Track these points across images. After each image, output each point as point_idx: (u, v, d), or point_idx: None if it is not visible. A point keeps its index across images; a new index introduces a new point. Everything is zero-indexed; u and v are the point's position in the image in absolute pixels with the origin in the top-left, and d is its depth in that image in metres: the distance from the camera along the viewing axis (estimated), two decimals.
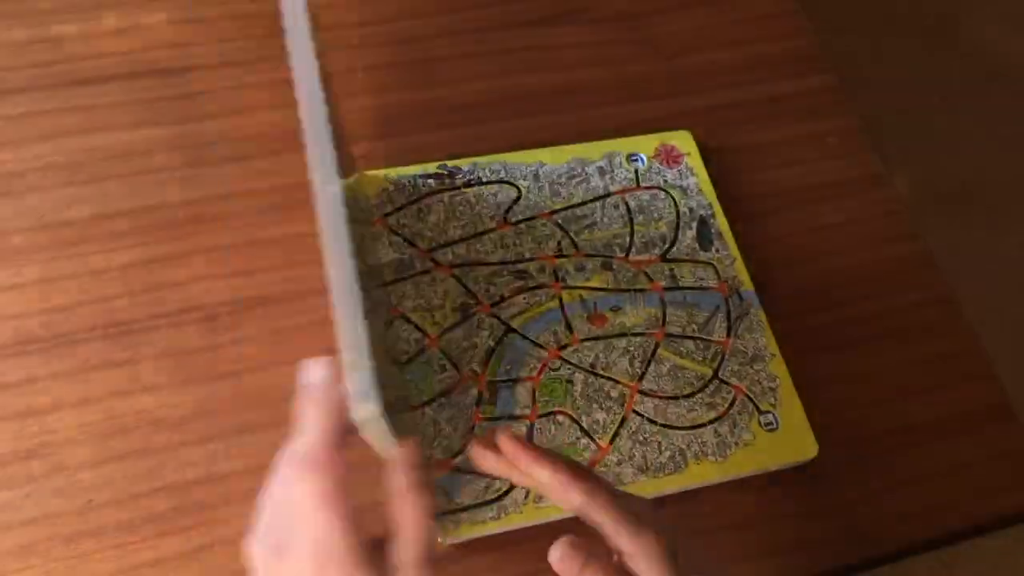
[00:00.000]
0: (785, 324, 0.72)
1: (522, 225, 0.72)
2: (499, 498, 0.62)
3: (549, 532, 0.62)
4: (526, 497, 0.62)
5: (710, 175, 0.77)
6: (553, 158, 0.75)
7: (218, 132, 0.74)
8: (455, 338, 0.67)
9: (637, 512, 0.46)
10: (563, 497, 0.47)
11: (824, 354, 0.72)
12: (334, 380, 0.41)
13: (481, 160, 0.74)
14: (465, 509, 0.61)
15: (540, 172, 0.74)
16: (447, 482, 0.62)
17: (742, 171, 0.80)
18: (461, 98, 0.80)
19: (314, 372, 0.42)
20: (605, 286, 0.71)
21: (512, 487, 0.62)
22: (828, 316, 0.75)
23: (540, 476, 0.48)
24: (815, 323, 0.74)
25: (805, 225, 0.79)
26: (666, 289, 0.71)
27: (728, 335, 0.70)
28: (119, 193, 0.70)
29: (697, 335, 0.70)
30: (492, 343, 0.67)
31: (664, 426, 0.66)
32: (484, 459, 0.50)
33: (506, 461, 0.50)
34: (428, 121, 0.78)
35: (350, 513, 0.40)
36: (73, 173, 0.71)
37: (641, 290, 0.71)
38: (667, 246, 0.73)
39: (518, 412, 0.65)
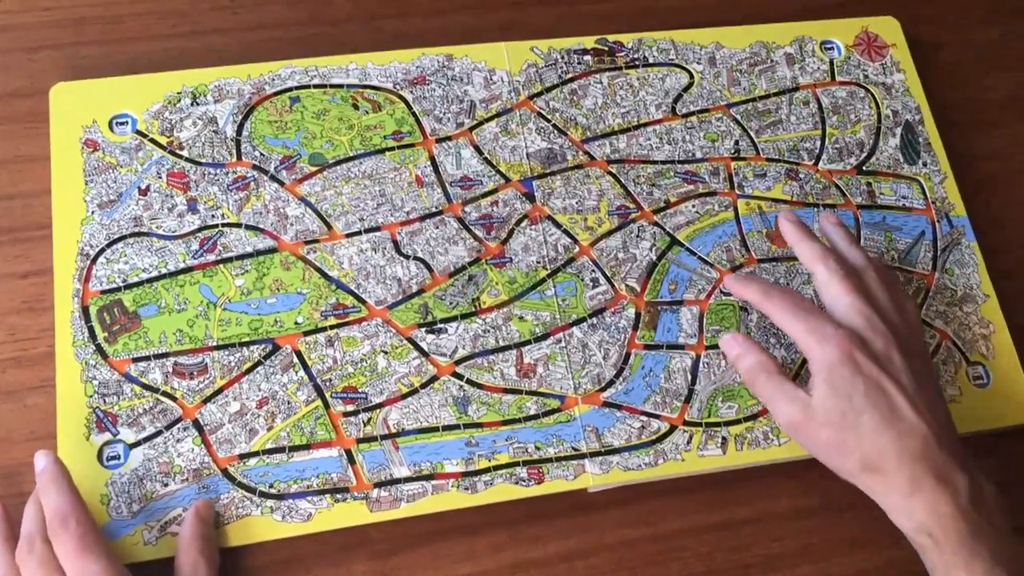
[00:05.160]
0: (1003, 260, 0.60)
1: (693, 118, 0.60)
2: (657, 441, 0.52)
3: (710, 484, 0.53)
4: (688, 443, 0.52)
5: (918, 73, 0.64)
6: (732, 40, 0.63)
7: None
8: (610, 248, 0.56)
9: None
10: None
11: None
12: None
13: (647, 36, 0.62)
14: (616, 452, 0.51)
15: (717, 56, 0.62)
16: (597, 419, 0.52)
17: (953, 72, 0.68)
18: None
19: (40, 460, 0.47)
20: (789, 198, 0.59)
21: (673, 429, 0.52)
22: None
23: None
24: None
25: None
26: (861, 207, 0.59)
27: (933, 268, 0.58)
28: None
29: (896, 265, 0.58)
30: (654, 257, 0.56)
31: None
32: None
33: None
34: None
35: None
36: None
37: (832, 206, 0.59)
38: (865, 155, 0.61)
39: (682, 340, 0.54)
